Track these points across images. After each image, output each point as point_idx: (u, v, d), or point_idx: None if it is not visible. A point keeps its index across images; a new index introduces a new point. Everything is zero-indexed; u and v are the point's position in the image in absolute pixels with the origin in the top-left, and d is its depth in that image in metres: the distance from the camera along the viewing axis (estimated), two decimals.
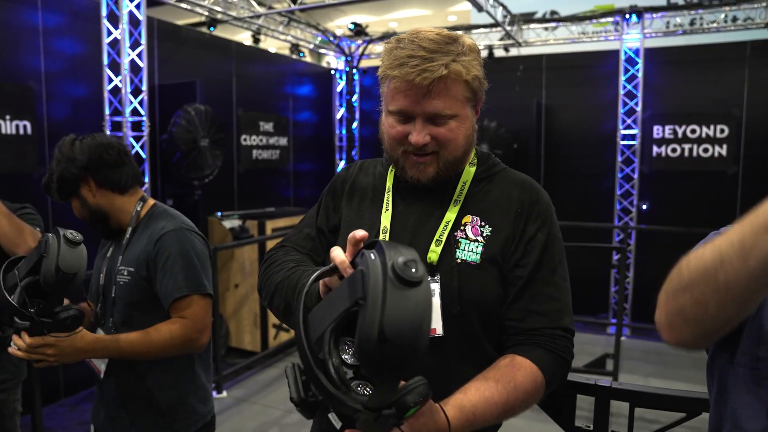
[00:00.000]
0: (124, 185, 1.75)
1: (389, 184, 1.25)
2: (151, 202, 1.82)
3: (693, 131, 6.04)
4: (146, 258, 1.66)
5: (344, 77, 7.66)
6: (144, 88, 4.51)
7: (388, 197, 1.23)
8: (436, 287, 1.11)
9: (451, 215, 1.16)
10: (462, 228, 1.15)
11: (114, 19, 4.42)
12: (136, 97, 4.50)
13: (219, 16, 5.86)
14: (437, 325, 1.11)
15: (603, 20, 6.41)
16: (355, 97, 7.68)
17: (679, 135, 6.09)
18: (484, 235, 1.14)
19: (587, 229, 6.10)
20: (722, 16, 6.08)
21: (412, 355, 0.66)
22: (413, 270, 0.68)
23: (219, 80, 5.91)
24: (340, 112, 7.75)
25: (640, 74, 6.09)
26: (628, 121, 6.15)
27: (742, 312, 0.75)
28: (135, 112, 4.51)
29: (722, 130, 5.95)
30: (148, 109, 4.55)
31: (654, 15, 6.20)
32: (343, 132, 7.75)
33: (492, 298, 1.12)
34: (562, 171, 6.63)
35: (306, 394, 0.79)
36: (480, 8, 5.14)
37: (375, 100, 7.78)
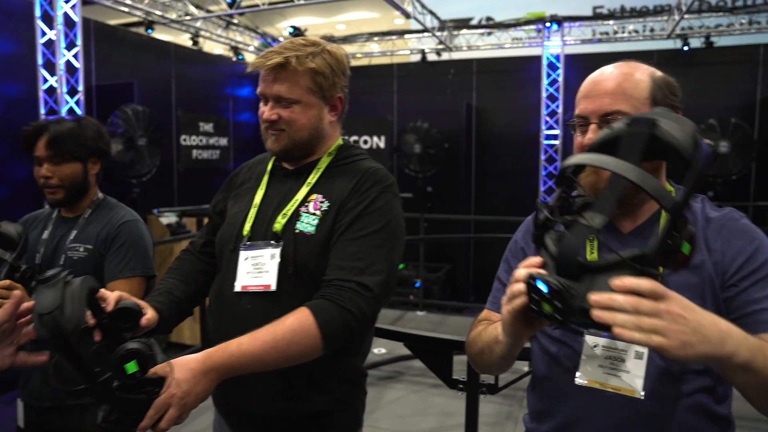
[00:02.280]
0: (105, 172, 1.98)
1: (268, 168, 1.50)
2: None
3: None
4: (106, 238, 1.83)
5: None
6: (80, 88, 4.60)
7: (264, 180, 1.48)
8: (277, 251, 1.33)
9: (300, 195, 1.38)
10: (306, 204, 1.36)
11: (48, 20, 4.51)
12: (72, 97, 4.59)
13: (156, 18, 5.98)
14: (272, 281, 1.33)
15: (527, 27, 6.82)
16: None
17: None
18: (322, 209, 1.34)
19: (513, 222, 6.50)
20: (631, 26, 6.59)
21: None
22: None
23: (158, 81, 6.02)
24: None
25: (560, 78, 6.53)
26: (551, 122, 6.58)
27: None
28: (71, 112, 4.60)
29: None
30: (84, 110, 4.65)
31: (572, 24, 6.65)
32: None
33: (323, 262, 1.30)
34: (492, 169, 7.03)
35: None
36: (408, 15, 5.45)
37: None
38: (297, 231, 1.33)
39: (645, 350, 1.08)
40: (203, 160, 6.62)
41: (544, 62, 6.59)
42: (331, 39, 7.49)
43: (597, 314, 0.75)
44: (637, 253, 0.77)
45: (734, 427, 1.14)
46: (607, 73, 1.14)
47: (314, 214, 1.34)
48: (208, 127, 6.66)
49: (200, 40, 6.75)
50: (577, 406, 1.12)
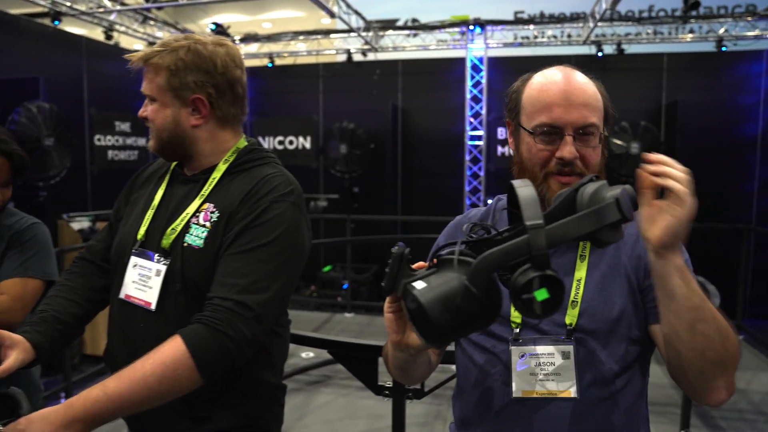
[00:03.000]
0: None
1: (170, 169, 1.43)
2: None
3: None
4: (10, 238, 1.75)
5: None
6: None
7: (164, 182, 1.40)
8: (163, 269, 1.25)
9: (192, 208, 1.29)
10: (197, 214, 1.27)
11: None
12: None
13: (64, 9, 5.62)
14: (152, 300, 1.25)
15: (452, 30, 6.93)
16: None
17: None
18: (212, 220, 1.25)
19: (439, 222, 6.58)
20: (550, 32, 6.84)
21: None
22: None
23: (67, 77, 5.66)
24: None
25: (484, 80, 6.67)
26: (475, 123, 6.72)
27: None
28: None
29: None
30: None
31: (495, 28, 6.81)
32: None
33: (212, 277, 1.21)
34: (417, 170, 7.09)
35: None
36: (333, 15, 5.40)
37: None
38: (185, 245, 1.25)
39: (570, 348, 1.10)
40: (120, 161, 6.29)
41: (468, 64, 6.72)
42: (255, 37, 7.32)
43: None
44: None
45: (648, 420, 1.19)
46: (574, 82, 1.12)
47: (204, 225, 1.25)
48: (125, 126, 6.33)
49: (115, 34, 6.41)
50: (510, 413, 1.12)
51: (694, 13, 6.23)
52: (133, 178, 1.50)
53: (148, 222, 1.31)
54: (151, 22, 6.71)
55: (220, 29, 7.18)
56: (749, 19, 6.42)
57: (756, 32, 6.43)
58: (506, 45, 6.95)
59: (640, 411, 1.15)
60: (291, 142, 7.22)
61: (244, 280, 1.17)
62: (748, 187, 6.58)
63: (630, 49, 6.79)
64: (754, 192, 6.58)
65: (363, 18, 6.56)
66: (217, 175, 1.31)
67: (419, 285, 0.81)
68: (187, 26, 7.41)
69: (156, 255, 1.26)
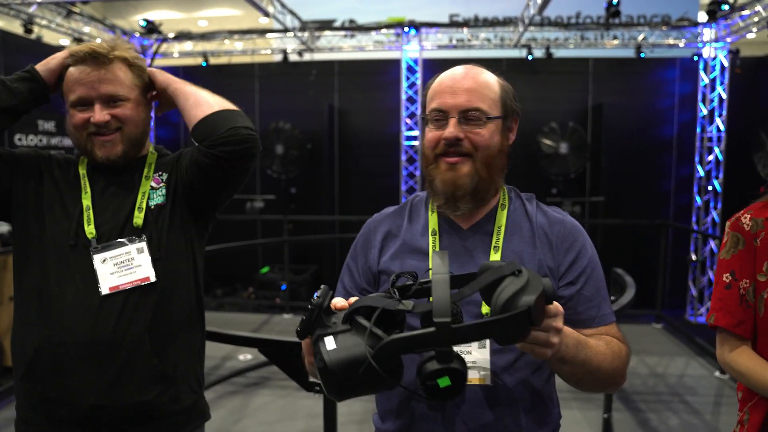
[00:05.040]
0: None
1: (83, 171, 1.46)
2: None
3: None
4: None
5: None
6: None
7: (84, 182, 1.44)
8: (143, 245, 1.39)
9: (144, 187, 1.47)
10: (150, 185, 1.48)
11: None
12: None
13: None
14: (149, 273, 1.38)
15: (387, 31, 7.00)
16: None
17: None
18: (164, 179, 1.49)
19: None
20: (483, 35, 7.03)
21: None
22: None
23: None
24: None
25: (419, 82, 6.78)
26: (410, 123, 6.81)
27: None
28: None
29: None
30: None
31: (429, 30, 6.94)
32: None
33: (179, 222, 1.49)
34: (355, 170, 7.13)
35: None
36: (267, 14, 5.35)
37: None
38: (152, 207, 1.44)
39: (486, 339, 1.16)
40: None
41: (404, 66, 6.81)
42: (188, 35, 7.15)
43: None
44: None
45: (558, 401, 1.28)
46: (464, 72, 1.23)
47: (159, 187, 1.47)
48: (49, 125, 6.04)
49: (36, 28, 6.11)
50: (430, 402, 1.17)
51: (616, 20, 6.56)
52: (46, 159, 1.50)
53: (92, 221, 1.39)
54: (77, 17, 6.44)
55: (151, 26, 6.98)
56: (664, 28, 6.82)
57: (670, 41, 6.84)
58: (440, 47, 7.08)
59: (552, 395, 1.25)
60: None
61: None
62: (666, 185, 6.99)
63: (558, 53, 7.07)
64: (671, 190, 6.99)
65: (299, 18, 6.53)
66: (152, 159, 1.52)
67: (329, 344, 0.85)
68: (116, 22, 7.15)
69: (126, 239, 1.38)
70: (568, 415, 3.95)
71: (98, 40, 6.25)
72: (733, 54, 6.47)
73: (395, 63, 6.97)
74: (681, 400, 4.18)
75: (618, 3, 6.19)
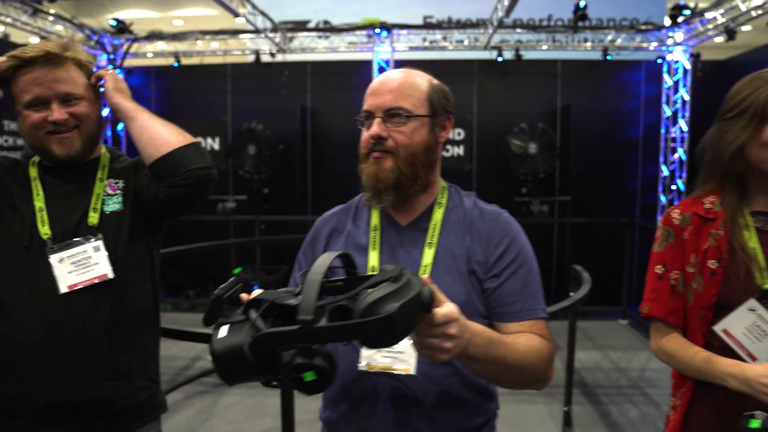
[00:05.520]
0: None
1: (33, 173, 1.49)
2: None
3: None
4: None
5: None
6: None
7: (36, 184, 1.47)
8: (99, 243, 1.43)
9: (99, 188, 1.50)
10: (105, 190, 1.50)
11: None
12: None
13: None
14: (107, 270, 1.42)
15: (359, 32, 7.05)
16: None
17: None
18: (120, 186, 1.51)
19: None
20: (457, 36, 7.12)
21: None
22: None
23: None
24: (105, 112, 7.36)
25: None
26: None
27: None
28: None
29: (459, 134, 6.95)
30: None
31: (401, 31, 7.00)
32: (108, 133, 7.39)
33: (137, 226, 1.52)
34: (328, 170, 7.16)
35: None
36: (236, 15, 5.37)
37: (143, 100, 7.58)
38: (109, 213, 1.47)
39: None
40: None
41: (375, 67, 6.87)
42: (159, 35, 7.12)
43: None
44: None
45: (495, 394, 1.33)
46: (392, 75, 1.30)
47: (116, 194, 1.49)
48: (14, 126, 5.98)
49: (2, 27, 6.03)
50: (363, 389, 1.23)
51: (584, 23, 6.69)
52: None
53: (47, 221, 1.42)
54: (45, 15, 6.37)
55: (121, 26, 6.94)
56: (630, 31, 6.98)
57: (635, 44, 7.00)
58: (412, 48, 7.15)
59: (487, 388, 1.29)
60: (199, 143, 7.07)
61: None
62: (632, 184, 7.15)
63: (528, 55, 7.19)
64: (637, 189, 7.15)
65: (270, 19, 6.55)
66: (106, 161, 1.54)
67: (221, 333, 0.90)
68: (85, 21, 7.09)
69: (82, 238, 1.41)
70: (533, 410, 4.06)
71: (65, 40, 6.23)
72: (695, 57, 6.65)
73: (367, 64, 7.02)
74: (641, 392, 4.30)
75: (585, 6, 6.33)
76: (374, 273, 1.04)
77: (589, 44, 7.08)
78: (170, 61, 7.29)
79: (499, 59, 6.96)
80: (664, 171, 6.80)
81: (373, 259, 1.29)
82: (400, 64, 6.97)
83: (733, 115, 1.37)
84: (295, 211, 7.04)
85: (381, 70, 6.89)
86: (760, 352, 1.34)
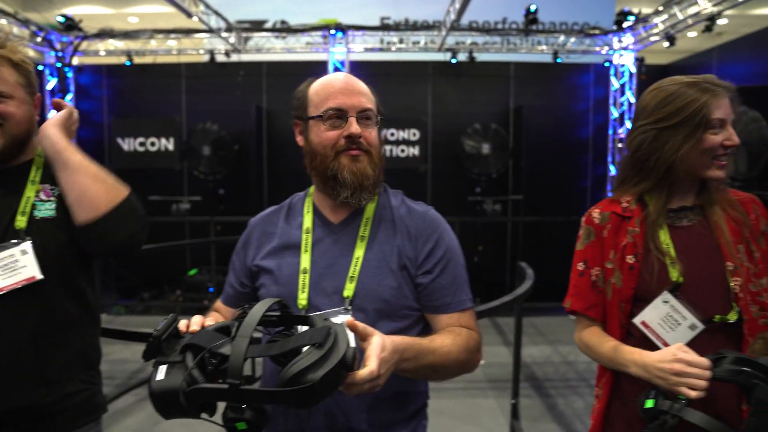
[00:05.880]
0: None
1: None
2: None
3: (392, 134, 7.04)
4: None
5: (56, 74, 7.13)
6: None
7: None
8: (27, 245, 1.38)
9: (30, 192, 1.44)
10: (37, 195, 1.44)
11: None
12: None
13: None
14: (35, 272, 1.37)
15: (315, 33, 7.07)
16: (69, 96, 7.19)
17: (382, 137, 7.01)
18: (56, 194, 1.44)
19: None
20: (413, 38, 7.20)
21: None
22: None
23: None
24: (52, 112, 7.18)
25: None
26: None
27: None
28: None
29: (414, 134, 7.04)
30: None
31: (356, 33, 7.05)
32: None
33: (67, 236, 1.43)
34: (284, 170, 7.15)
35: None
36: (189, 15, 5.32)
37: (94, 99, 7.41)
38: (39, 218, 1.40)
39: (349, 317, 1.26)
40: None
41: (330, 68, 6.89)
42: (110, 33, 6.98)
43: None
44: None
45: (423, 392, 1.40)
46: (351, 77, 1.34)
47: (49, 200, 1.43)
48: None
49: None
50: None
51: (535, 27, 6.87)
52: None
53: None
54: None
55: (70, 22, 6.78)
56: (579, 35, 7.20)
57: (584, 47, 7.22)
58: (367, 50, 7.20)
59: (416, 383, 1.36)
60: (153, 144, 6.97)
61: None
62: (583, 183, 7.37)
63: (482, 57, 7.33)
64: (587, 188, 7.38)
65: (224, 19, 6.50)
66: (40, 164, 1.48)
67: (159, 374, 0.97)
68: (30, 16, 6.89)
69: (9, 242, 1.37)
70: (483, 404, 4.16)
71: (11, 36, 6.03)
72: (640, 61, 6.91)
73: (323, 65, 7.04)
74: (588, 384, 4.46)
75: (536, 10, 6.50)
76: (303, 315, 1.13)
77: (544, 47, 7.26)
78: (123, 59, 7.16)
79: (453, 61, 7.08)
80: (612, 170, 7.04)
81: (305, 261, 1.32)
82: (355, 65, 7.05)
83: (675, 123, 1.41)
84: (251, 212, 6.86)
85: (336, 70, 6.92)
86: (674, 340, 1.42)
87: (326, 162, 1.29)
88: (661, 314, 1.43)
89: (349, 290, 1.27)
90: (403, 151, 7.05)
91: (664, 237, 1.44)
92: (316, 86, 1.34)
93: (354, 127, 1.27)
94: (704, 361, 1.22)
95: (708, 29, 5.61)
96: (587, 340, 1.51)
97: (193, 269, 7.14)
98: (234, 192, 7.10)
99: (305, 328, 1.08)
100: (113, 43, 7.28)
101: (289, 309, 1.16)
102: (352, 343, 0.97)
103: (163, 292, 7.21)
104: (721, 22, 5.76)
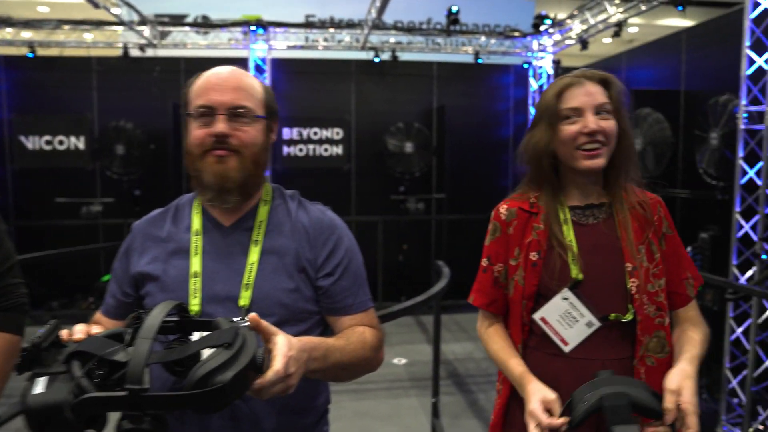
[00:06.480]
0: None
1: None
2: None
3: (315, 133, 6.96)
4: None
5: None
6: None
7: None
8: None
9: None
10: None
11: None
12: None
13: None
14: None
15: (234, 29, 6.87)
16: None
17: (305, 136, 6.94)
18: None
19: None
20: (338, 36, 7.14)
21: None
22: None
23: None
24: None
25: (267, 81, 6.74)
26: None
27: None
28: None
29: (338, 133, 6.99)
30: None
31: (277, 30, 6.91)
32: None
33: None
34: None
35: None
36: (96, 5, 5.04)
37: None
38: None
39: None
40: None
41: (252, 65, 6.73)
42: (8, 21, 6.51)
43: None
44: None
45: (323, 391, 1.38)
46: (230, 72, 1.26)
47: None
48: None
49: None
50: None
51: (457, 27, 6.97)
52: None
53: None
54: None
55: None
56: (499, 37, 7.37)
57: (504, 48, 7.41)
58: (290, 47, 7.08)
59: (317, 385, 1.33)
60: (61, 143, 6.56)
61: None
62: (504, 182, 7.56)
63: (405, 56, 7.37)
64: (508, 186, 7.57)
65: (138, 11, 6.21)
66: None
67: (37, 387, 0.86)
68: None
69: None
70: (405, 403, 4.17)
71: None
72: (556, 63, 7.16)
73: (244, 62, 6.86)
74: None
75: (458, 11, 6.60)
76: (207, 319, 1.04)
77: (469, 48, 7.38)
78: (23, 51, 6.69)
79: (376, 60, 7.07)
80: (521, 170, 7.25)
81: (196, 264, 1.26)
82: (278, 62, 6.92)
83: (537, 119, 1.48)
84: None
85: (258, 68, 6.77)
86: (571, 337, 1.45)
87: (195, 161, 1.25)
88: (560, 311, 1.46)
89: (245, 299, 1.22)
90: (326, 150, 6.98)
91: (568, 234, 1.46)
92: (197, 81, 1.28)
93: (219, 125, 1.21)
94: (559, 422, 1.21)
95: (617, 34, 5.88)
96: (494, 352, 1.53)
97: (107, 275, 6.78)
98: (151, 193, 6.80)
99: (203, 335, 1.01)
100: (12, 32, 6.77)
101: (189, 315, 1.08)
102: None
103: (75, 299, 6.81)
104: (632, 30, 6.05)
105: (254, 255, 1.26)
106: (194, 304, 1.22)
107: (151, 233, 1.33)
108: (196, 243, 1.28)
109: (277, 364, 0.94)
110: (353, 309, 1.31)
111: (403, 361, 4.91)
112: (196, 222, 1.31)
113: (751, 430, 3.77)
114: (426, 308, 3.48)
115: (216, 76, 1.25)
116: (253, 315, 0.97)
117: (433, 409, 3.64)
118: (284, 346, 0.97)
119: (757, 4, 3.74)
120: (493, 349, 1.52)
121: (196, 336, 1.05)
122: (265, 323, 0.98)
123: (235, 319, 1.20)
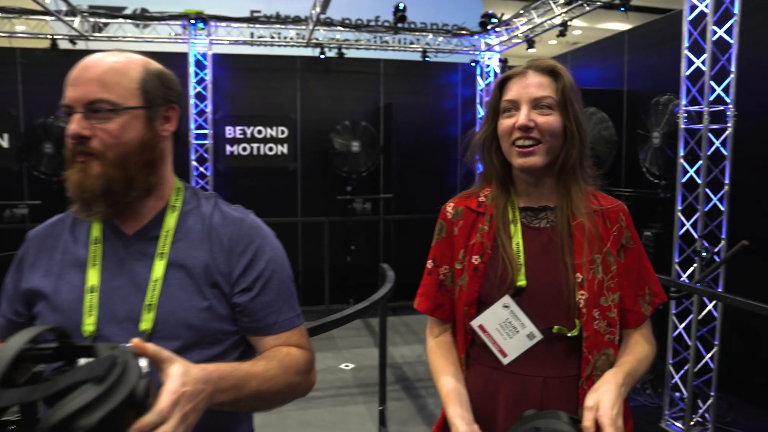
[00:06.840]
0: None
1: None
2: None
3: (259, 132, 6.74)
4: None
5: None
6: None
7: None
8: None
9: None
10: None
11: None
12: None
13: None
14: None
15: (173, 23, 6.57)
16: None
17: (248, 135, 6.71)
18: None
19: None
20: (283, 32, 6.94)
21: None
22: None
23: None
24: None
25: (208, 77, 6.47)
26: (200, 121, 6.48)
27: None
28: None
29: (283, 132, 6.79)
30: None
31: (219, 24, 6.65)
32: None
33: None
34: None
35: None
36: None
37: None
38: None
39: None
40: None
41: (192, 60, 6.46)
42: None
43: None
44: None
45: (247, 416, 1.24)
46: (95, 60, 1.09)
47: None
48: None
49: None
50: None
51: (403, 25, 6.88)
52: None
53: None
54: None
55: None
56: (446, 35, 7.33)
57: (452, 47, 7.37)
58: (232, 43, 6.83)
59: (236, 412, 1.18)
60: None
61: None
62: (453, 180, 7.52)
63: (352, 53, 7.23)
64: (457, 184, 7.54)
65: (66, 1, 5.84)
66: None
67: None
68: None
69: None
70: (353, 411, 4.04)
71: None
72: (503, 62, 7.17)
73: (184, 57, 6.57)
74: None
75: (404, 8, 6.50)
76: (85, 345, 0.85)
77: (417, 46, 7.30)
78: None
79: (321, 57, 6.91)
80: (480, 167, 7.24)
81: (93, 277, 1.11)
82: (220, 58, 6.66)
83: (484, 117, 1.43)
84: None
85: (198, 63, 6.50)
86: (510, 348, 1.34)
87: (67, 169, 1.09)
88: (500, 319, 1.34)
89: (147, 322, 1.07)
90: (271, 149, 6.77)
91: (515, 236, 1.35)
92: None
93: (73, 125, 1.05)
94: None
95: (562, 34, 5.91)
96: (429, 359, 1.43)
97: None
98: None
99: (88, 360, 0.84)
100: None
101: (70, 338, 0.91)
102: (146, 374, 0.76)
103: None
104: (576, 33, 6.10)
105: (159, 270, 1.11)
106: (89, 324, 1.06)
107: (46, 243, 1.17)
108: (94, 253, 1.13)
109: (163, 401, 0.79)
110: (277, 328, 1.16)
111: (351, 366, 4.78)
112: (96, 229, 1.15)
113: (691, 423, 3.83)
114: (374, 311, 3.36)
115: (77, 68, 1.09)
116: (135, 340, 0.82)
117: (380, 417, 3.53)
118: (176, 380, 0.82)
119: (694, 7, 3.78)
120: (430, 362, 1.42)
121: (82, 362, 0.88)
122: (153, 348, 0.82)
123: (122, 345, 1.06)
